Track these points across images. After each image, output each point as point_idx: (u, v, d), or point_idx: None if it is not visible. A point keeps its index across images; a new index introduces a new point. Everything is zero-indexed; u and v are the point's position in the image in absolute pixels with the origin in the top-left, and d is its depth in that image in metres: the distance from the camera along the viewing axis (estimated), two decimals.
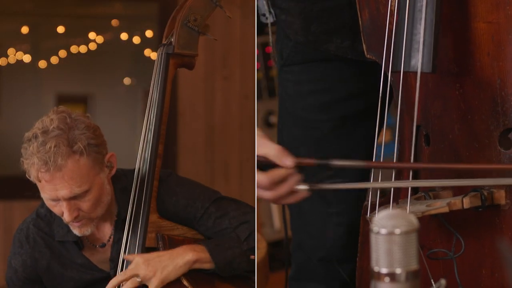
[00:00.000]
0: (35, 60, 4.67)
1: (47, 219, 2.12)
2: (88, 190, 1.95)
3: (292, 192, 1.86)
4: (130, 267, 1.97)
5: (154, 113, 2.10)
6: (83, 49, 4.66)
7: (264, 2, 2.27)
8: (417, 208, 1.80)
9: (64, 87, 4.77)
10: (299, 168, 1.86)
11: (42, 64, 4.66)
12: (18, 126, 4.53)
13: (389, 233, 1.29)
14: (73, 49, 4.67)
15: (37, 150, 1.91)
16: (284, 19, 2.22)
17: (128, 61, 4.89)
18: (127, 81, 4.82)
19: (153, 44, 4.60)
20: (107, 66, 4.84)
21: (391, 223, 1.30)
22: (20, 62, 4.62)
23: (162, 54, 2.12)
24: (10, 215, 4.19)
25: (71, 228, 2.02)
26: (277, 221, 3.77)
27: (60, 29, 4.65)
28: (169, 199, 2.07)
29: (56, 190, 1.93)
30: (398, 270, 1.30)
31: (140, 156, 2.08)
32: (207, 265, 1.97)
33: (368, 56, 1.98)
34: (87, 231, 2.01)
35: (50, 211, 2.11)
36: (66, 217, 1.96)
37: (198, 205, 2.06)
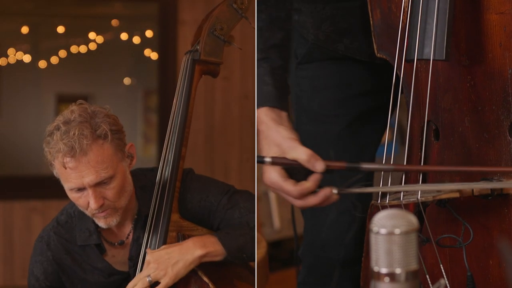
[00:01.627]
0: (35, 60, 4.67)
1: (67, 226, 2.14)
2: (112, 176, 1.98)
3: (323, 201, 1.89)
4: (144, 267, 1.99)
5: (178, 117, 2.16)
6: (83, 49, 4.66)
7: None
8: (429, 193, 1.82)
9: (64, 87, 4.77)
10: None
11: (42, 64, 4.66)
12: (18, 126, 4.54)
13: (389, 233, 1.29)
14: (73, 49, 4.67)
15: (61, 138, 1.94)
16: (297, 19, 2.24)
17: (128, 61, 4.89)
18: (127, 81, 4.83)
19: (153, 44, 4.60)
20: (107, 66, 4.84)
21: (390, 223, 1.30)
22: (20, 62, 4.62)
23: (188, 60, 2.18)
24: (10, 215, 4.18)
25: (96, 221, 2.03)
26: (276, 221, 3.77)
27: (60, 29, 4.65)
28: (184, 196, 2.10)
29: (82, 177, 1.94)
30: (398, 270, 1.30)
31: (164, 158, 2.12)
32: (218, 257, 1.99)
33: (378, 55, 1.99)
34: (112, 221, 2.02)
35: (71, 217, 2.13)
36: (92, 205, 1.97)
37: (212, 199, 2.10)
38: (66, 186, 1.98)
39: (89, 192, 1.96)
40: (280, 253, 3.78)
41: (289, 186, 1.86)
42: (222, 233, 2.01)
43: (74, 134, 1.93)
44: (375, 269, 1.31)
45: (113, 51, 4.77)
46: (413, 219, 1.31)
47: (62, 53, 4.66)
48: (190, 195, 2.11)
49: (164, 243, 2.04)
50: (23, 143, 4.33)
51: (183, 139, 2.14)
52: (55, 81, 4.77)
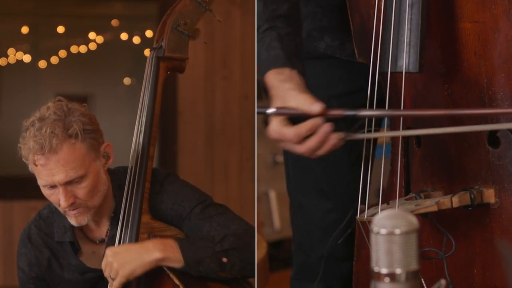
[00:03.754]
0: (35, 60, 4.66)
1: (48, 220, 2.15)
2: (83, 175, 1.97)
3: (324, 142, 1.79)
4: (103, 262, 1.97)
5: (145, 115, 2.11)
6: (83, 49, 4.66)
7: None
8: (406, 208, 1.81)
9: (64, 87, 4.76)
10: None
11: (42, 64, 4.66)
12: (18, 126, 4.53)
13: (389, 233, 1.29)
14: (73, 49, 4.67)
15: (33, 135, 1.95)
16: None
17: (128, 61, 4.89)
18: (127, 81, 4.82)
19: (153, 44, 4.60)
20: (107, 66, 4.84)
21: (391, 223, 1.30)
22: (20, 62, 4.62)
23: (152, 57, 2.15)
24: (10, 215, 4.18)
25: (68, 218, 2.03)
26: (277, 221, 3.77)
27: (60, 29, 4.65)
28: (160, 197, 2.08)
29: (52, 175, 1.95)
30: (398, 270, 1.30)
31: (132, 158, 2.08)
32: (176, 264, 1.95)
33: (359, 60, 1.98)
34: (83, 220, 2.02)
35: (52, 212, 2.13)
36: (62, 203, 1.97)
37: (185, 205, 2.06)
38: (39, 182, 2.00)
39: (60, 190, 1.97)
40: (280, 253, 3.78)
41: (288, 130, 1.80)
42: (184, 241, 1.98)
43: (45, 131, 1.94)
44: (375, 269, 1.31)
45: (113, 51, 4.77)
46: (413, 220, 1.31)
47: (62, 53, 4.66)
48: (166, 195, 2.08)
49: None
50: None
51: (150, 139, 2.09)
52: (55, 81, 4.77)
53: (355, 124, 1.84)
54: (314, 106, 1.79)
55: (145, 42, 4.66)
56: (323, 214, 2.27)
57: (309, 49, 2.20)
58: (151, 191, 2.08)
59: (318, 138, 1.78)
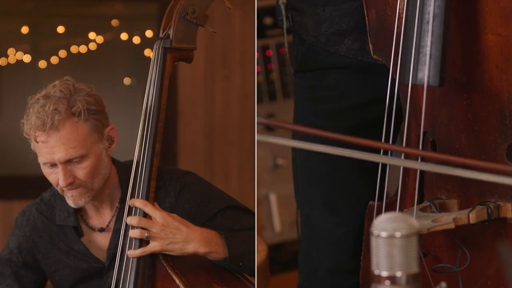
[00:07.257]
0: (35, 60, 4.66)
1: (50, 204, 2.14)
2: (84, 155, 1.96)
3: None
4: (156, 218, 1.94)
5: (151, 110, 2.06)
6: (83, 49, 4.65)
7: (282, 6, 2.25)
8: (423, 224, 1.78)
9: None
10: None
11: (42, 64, 4.66)
12: (18, 126, 4.53)
13: (390, 236, 1.29)
14: (73, 49, 4.66)
15: (37, 111, 1.95)
16: (298, 21, 2.21)
17: (128, 61, 4.88)
18: (127, 81, 4.82)
19: (153, 44, 4.59)
20: (107, 66, 4.84)
21: (391, 226, 1.30)
22: (20, 62, 4.61)
23: (159, 48, 2.07)
24: (10, 215, 4.17)
25: (66, 199, 2.01)
26: (277, 225, 3.76)
27: (60, 29, 4.64)
28: (183, 196, 2.07)
29: (52, 153, 1.94)
30: (399, 273, 1.30)
31: (138, 155, 2.03)
32: (218, 257, 1.95)
33: (374, 56, 1.96)
34: (81, 201, 2.00)
35: (54, 195, 2.12)
36: (61, 182, 1.96)
37: (213, 206, 2.06)
38: (39, 160, 1.99)
39: (59, 168, 1.96)
40: (281, 256, 3.78)
41: None
42: (228, 235, 1.97)
43: (49, 108, 1.94)
44: (376, 272, 1.31)
45: (113, 51, 4.76)
46: (414, 223, 1.31)
47: (62, 53, 4.65)
48: (190, 196, 2.07)
49: (141, 245, 1.97)
50: (23, 143, 4.32)
51: (156, 135, 2.03)
52: (55, 81, 4.76)
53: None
54: None
55: (145, 42, 4.65)
56: (331, 228, 2.25)
57: (324, 56, 2.18)
58: (169, 190, 2.07)
59: None
